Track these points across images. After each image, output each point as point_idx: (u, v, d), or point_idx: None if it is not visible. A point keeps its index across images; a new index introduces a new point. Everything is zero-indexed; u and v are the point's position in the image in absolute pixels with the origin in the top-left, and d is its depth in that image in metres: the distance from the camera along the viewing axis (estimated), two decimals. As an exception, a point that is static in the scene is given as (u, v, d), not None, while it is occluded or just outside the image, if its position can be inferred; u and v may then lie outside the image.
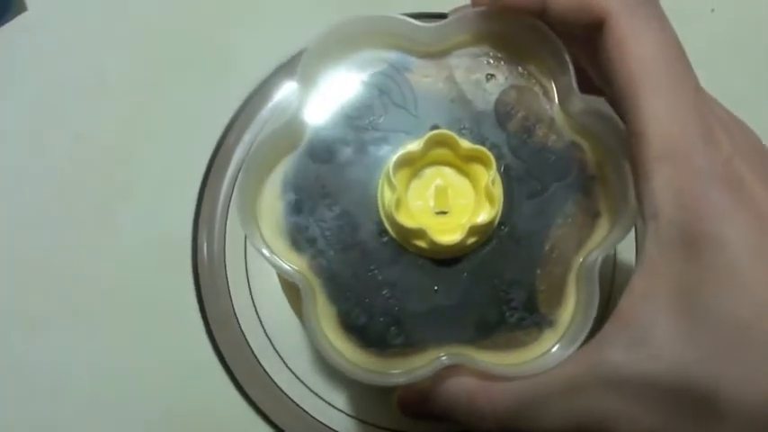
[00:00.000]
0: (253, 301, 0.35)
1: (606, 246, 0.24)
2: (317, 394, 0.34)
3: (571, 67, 0.23)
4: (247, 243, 0.35)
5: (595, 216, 0.24)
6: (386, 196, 0.24)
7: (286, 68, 0.36)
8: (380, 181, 0.24)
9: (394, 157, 0.23)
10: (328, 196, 0.24)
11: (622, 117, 0.22)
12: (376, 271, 0.24)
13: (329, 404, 0.34)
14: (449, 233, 0.23)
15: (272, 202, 0.24)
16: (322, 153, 0.25)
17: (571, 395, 0.21)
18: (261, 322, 0.35)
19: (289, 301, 0.29)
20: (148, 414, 0.34)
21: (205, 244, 0.35)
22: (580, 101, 0.23)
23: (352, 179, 0.24)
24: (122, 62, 0.38)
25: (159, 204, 0.36)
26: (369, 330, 0.24)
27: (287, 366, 0.34)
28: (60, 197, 0.36)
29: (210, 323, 0.34)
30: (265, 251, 0.23)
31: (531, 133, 0.25)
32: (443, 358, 0.23)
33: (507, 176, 0.24)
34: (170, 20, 0.38)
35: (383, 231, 0.24)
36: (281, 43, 0.36)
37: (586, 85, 0.24)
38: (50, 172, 0.36)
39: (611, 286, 0.34)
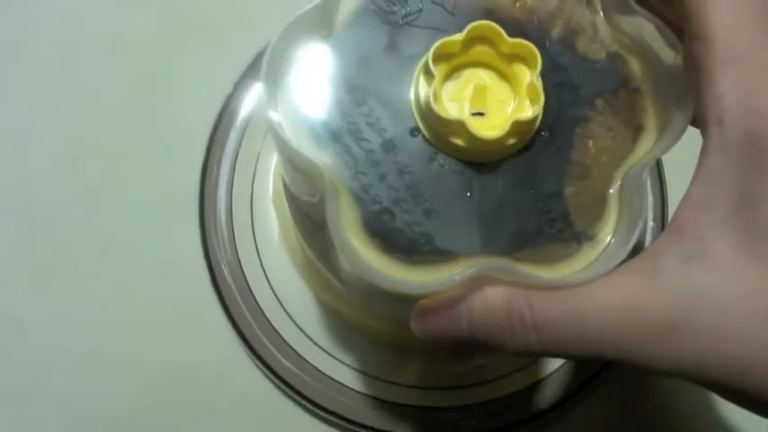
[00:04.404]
0: (258, 254, 0.34)
1: (650, 159, 0.22)
2: (322, 348, 0.32)
3: None
4: (253, 195, 0.35)
5: (638, 130, 0.23)
6: (421, 89, 0.22)
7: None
8: (415, 74, 0.22)
9: (433, 46, 0.22)
10: (357, 91, 0.23)
11: (681, 20, 0.21)
12: (405, 172, 0.22)
13: (335, 358, 0.32)
14: (489, 131, 0.21)
15: (295, 95, 0.22)
16: (352, 45, 0.23)
17: (621, 303, 0.19)
18: (266, 274, 0.34)
19: (302, 235, 0.26)
20: (150, 368, 0.33)
21: (212, 196, 0.34)
22: (627, 10, 0.22)
23: (383, 74, 0.23)
24: (136, 19, 0.38)
25: (168, 157, 0.36)
26: (394, 235, 0.22)
27: (290, 318, 0.33)
28: (70, 151, 0.36)
29: (216, 276, 0.33)
30: (288, 137, 0.21)
31: (574, 41, 0.23)
32: (474, 268, 0.21)
33: (548, 83, 0.23)
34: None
35: (415, 129, 0.22)
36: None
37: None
38: (62, 127, 0.36)
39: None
